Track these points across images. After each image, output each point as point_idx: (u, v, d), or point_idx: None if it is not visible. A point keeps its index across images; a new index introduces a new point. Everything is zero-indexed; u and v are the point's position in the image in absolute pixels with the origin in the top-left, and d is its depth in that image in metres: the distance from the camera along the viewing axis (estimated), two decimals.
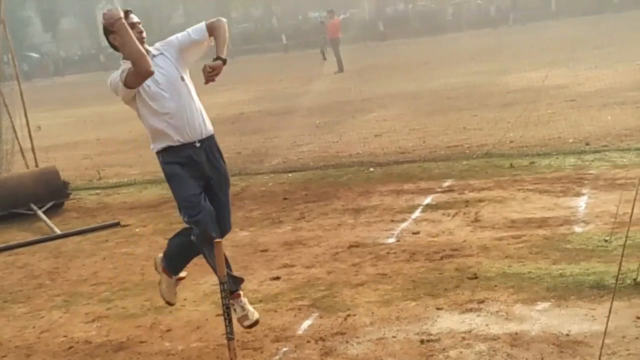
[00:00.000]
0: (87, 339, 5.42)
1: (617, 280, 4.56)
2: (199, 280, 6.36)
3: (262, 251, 7.04)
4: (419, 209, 7.80)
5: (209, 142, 5.00)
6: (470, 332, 4.67)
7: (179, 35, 5.05)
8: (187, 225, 5.05)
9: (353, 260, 6.39)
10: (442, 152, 10.70)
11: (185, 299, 5.94)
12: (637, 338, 4.29)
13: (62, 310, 6.09)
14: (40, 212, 9.35)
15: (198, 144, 4.92)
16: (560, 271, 5.47)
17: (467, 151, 10.45)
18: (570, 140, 10.24)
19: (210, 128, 5.04)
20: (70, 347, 5.30)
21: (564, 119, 11.70)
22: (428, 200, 8.12)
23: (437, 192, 8.41)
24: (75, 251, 7.95)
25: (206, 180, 4.99)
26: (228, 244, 7.18)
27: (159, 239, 7.94)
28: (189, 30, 5.06)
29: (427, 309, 5.12)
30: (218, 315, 5.35)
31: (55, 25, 70.55)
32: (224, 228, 5.09)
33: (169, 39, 5.05)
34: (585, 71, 15.08)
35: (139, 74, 4.65)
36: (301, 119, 16.44)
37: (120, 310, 5.92)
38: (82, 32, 75.41)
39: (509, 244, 6.29)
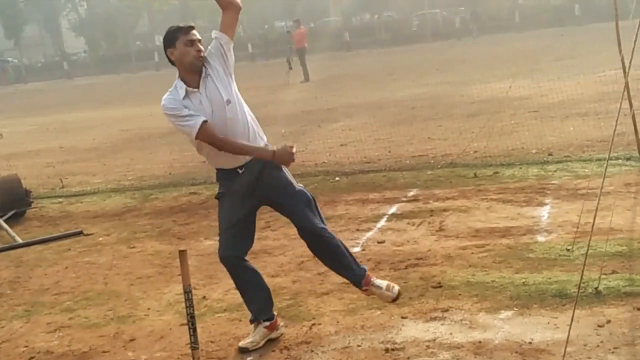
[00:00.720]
0: (48, 349, 5.34)
1: (579, 289, 4.61)
2: (163, 290, 6.31)
3: None
4: (384, 218, 7.83)
5: (256, 163, 4.86)
6: (434, 340, 4.69)
7: (212, 47, 4.83)
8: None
9: (318, 269, 6.37)
10: (407, 161, 10.76)
11: (148, 309, 5.89)
12: (598, 346, 4.34)
13: (24, 320, 6.00)
14: (1, 221, 9.20)
15: (240, 170, 4.84)
16: (523, 280, 5.52)
17: (432, 161, 10.52)
18: (534, 151, 10.36)
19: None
20: (32, 358, 5.23)
21: (527, 129, 11.84)
22: (393, 209, 8.16)
23: (402, 201, 8.46)
24: (37, 260, 7.84)
25: (259, 198, 4.96)
26: (192, 253, 7.16)
27: (122, 247, 7.87)
28: (214, 33, 4.88)
29: (392, 317, 5.14)
30: (182, 324, 5.31)
31: (18, 32, 69.73)
32: (308, 227, 4.98)
33: (209, 51, 4.82)
34: (548, 83, 15.25)
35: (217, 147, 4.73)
36: (267, 128, 16.22)
37: (83, 320, 5.85)
38: (45, 39, 74.74)
39: (473, 253, 6.34)
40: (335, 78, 27.02)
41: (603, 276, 5.27)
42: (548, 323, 4.73)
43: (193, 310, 4.34)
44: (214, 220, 8.53)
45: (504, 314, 4.98)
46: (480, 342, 4.60)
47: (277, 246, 7.26)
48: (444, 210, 7.86)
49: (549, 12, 48.69)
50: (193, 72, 4.70)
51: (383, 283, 4.95)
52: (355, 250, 6.80)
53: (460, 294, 5.41)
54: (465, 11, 56.16)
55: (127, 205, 10.01)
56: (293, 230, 7.63)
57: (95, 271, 7.17)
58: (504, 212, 7.52)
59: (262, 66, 42.64)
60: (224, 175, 4.88)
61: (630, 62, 4.74)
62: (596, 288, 5.12)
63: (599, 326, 4.59)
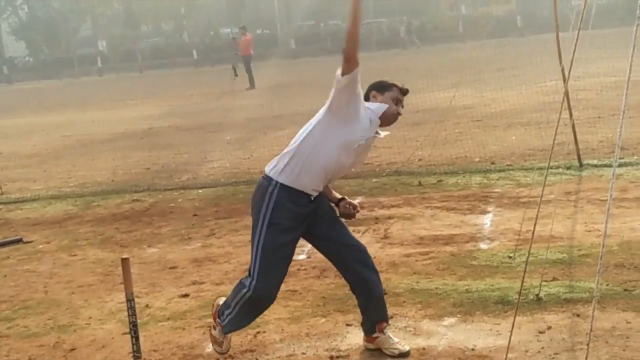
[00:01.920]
0: None
1: (519, 296, 4.68)
2: (105, 298, 6.21)
3: (170, 268, 6.93)
4: None
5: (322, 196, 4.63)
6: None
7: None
8: None
9: None
10: (353, 169, 10.77)
11: (90, 317, 5.79)
12: (539, 352, 4.41)
13: None
14: None
15: (313, 197, 4.53)
16: (467, 287, 5.58)
17: (377, 169, 10.58)
18: (477, 159, 10.51)
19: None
20: None
21: (471, 138, 12.00)
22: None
23: None
24: None
25: (304, 229, 4.64)
26: (135, 261, 7.07)
27: (63, 255, 7.73)
28: None
29: (337, 325, 5.14)
30: (124, 333, 5.23)
31: None
32: (365, 249, 4.77)
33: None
34: (491, 92, 15.52)
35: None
36: (212, 134, 16.35)
37: (22, 329, 5.71)
38: None
39: (417, 260, 6.39)
40: (281, 85, 27.02)
41: (544, 283, 5.36)
42: (490, 329, 4.79)
43: (136, 318, 4.29)
44: (158, 227, 8.49)
45: (448, 320, 5.03)
46: (424, 348, 4.63)
47: (222, 254, 7.21)
48: (389, 217, 7.91)
49: (491, 23, 49.46)
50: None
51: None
52: (301, 257, 6.79)
53: (404, 301, 5.44)
54: (411, 21, 56.75)
55: (68, 212, 9.83)
56: (238, 238, 7.66)
57: (35, 279, 7.02)
58: (448, 220, 7.60)
59: (208, 73, 42.41)
60: (293, 198, 4.32)
61: (569, 73, 4.83)
62: (537, 295, 5.21)
63: (539, 332, 4.67)
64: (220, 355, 4.72)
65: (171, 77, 42.94)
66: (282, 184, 4.31)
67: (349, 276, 4.63)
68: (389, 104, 4.53)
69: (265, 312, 5.46)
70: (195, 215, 8.96)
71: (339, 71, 4.29)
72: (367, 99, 4.56)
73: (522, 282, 4.57)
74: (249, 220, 8.28)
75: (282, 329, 5.17)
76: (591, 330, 3.87)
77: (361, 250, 4.63)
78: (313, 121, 4.44)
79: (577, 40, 4.59)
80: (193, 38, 64.21)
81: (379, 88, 4.61)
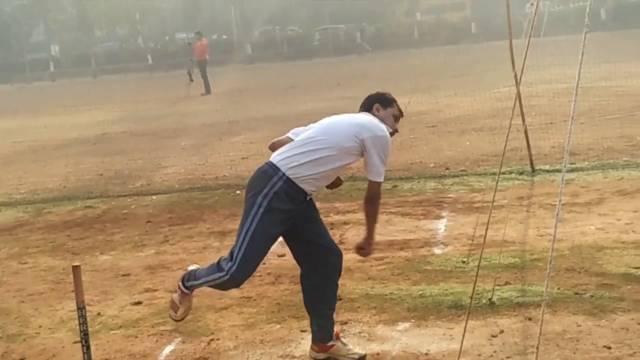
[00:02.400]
0: None
1: (471, 300, 4.71)
2: (56, 307, 6.11)
3: (123, 275, 6.84)
4: None
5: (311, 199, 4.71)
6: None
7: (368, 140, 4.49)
8: None
9: None
10: None
11: (40, 326, 5.68)
12: (491, 356, 4.45)
13: None
14: None
15: (307, 198, 4.60)
16: (421, 292, 5.61)
17: None
18: (431, 165, 10.58)
19: None
20: None
21: (426, 144, 12.09)
22: None
23: None
24: None
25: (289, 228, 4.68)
26: (87, 269, 6.97)
27: (13, 263, 7.58)
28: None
29: (292, 331, 5.12)
30: (75, 342, 5.14)
31: None
32: (338, 249, 4.79)
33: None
34: (445, 98, 15.66)
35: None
36: (166, 140, 16.22)
37: None
38: None
39: (372, 265, 6.40)
40: (237, 91, 26.90)
41: (497, 287, 5.40)
42: (444, 334, 4.82)
43: (87, 327, 4.21)
44: (111, 234, 8.38)
45: (402, 325, 5.04)
46: (378, 354, 4.64)
47: (175, 260, 7.15)
48: (344, 223, 7.92)
49: (446, 30, 49.96)
50: None
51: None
52: None
53: (359, 307, 5.45)
54: (365, 27, 57.05)
55: (18, 219, 9.65)
56: (192, 245, 7.60)
57: None
58: (403, 225, 7.64)
59: (162, 78, 42.06)
60: (292, 193, 4.35)
61: (519, 79, 4.90)
62: (490, 299, 5.25)
63: (492, 336, 4.71)
64: (173, 321, 4.73)
65: (125, 82, 42.50)
66: (288, 178, 4.32)
67: (316, 279, 4.61)
68: (389, 119, 4.68)
69: (220, 320, 5.45)
70: (148, 221, 8.86)
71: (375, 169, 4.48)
72: (369, 109, 4.71)
73: (474, 287, 4.61)
74: (204, 227, 8.30)
75: (236, 336, 5.14)
76: (541, 333, 3.92)
77: (339, 254, 4.65)
78: (341, 140, 4.45)
79: (527, 47, 4.66)
80: (148, 43, 63.71)
81: (383, 102, 4.74)
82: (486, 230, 4.50)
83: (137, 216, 9.24)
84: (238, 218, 8.48)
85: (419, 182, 9.62)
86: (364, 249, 4.62)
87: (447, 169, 10.25)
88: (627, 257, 5.93)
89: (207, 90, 27.76)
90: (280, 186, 4.30)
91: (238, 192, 10.01)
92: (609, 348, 4.39)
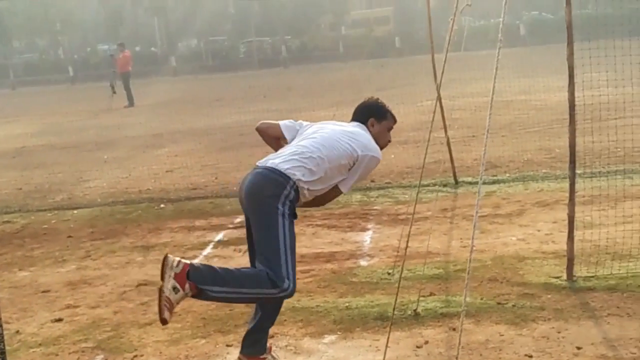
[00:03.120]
0: None
1: (393, 311, 4.75)
2: None
3: (43, 292, 6.65)
4: (211, 245, 7.74)
5: None
6: None
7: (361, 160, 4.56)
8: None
9: (141, 299, 6.20)
10: (235, 188, 10.69)
11: None
12: None
13: None
14: None
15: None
16: (347, 304, 5.62)
17: None
18: None
19: None
20: None
21: None
22: (220, 236, 8.09)
23: (229, 228, 8.41)
24: None
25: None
26: (5, 285, 6.76)
27: None
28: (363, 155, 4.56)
29: (217, 346, 5.06)
30: None
31: None
32: None
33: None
34: None
35: None
36: (88, 153, 15.91)
37: None
38: None
39: (298, 278, 6.30)
40: (161, 103, 26.64)
41: (421, 298, 5.46)
42: (370, 346, 4.83)
43: (4, 345, 4.08)
44: (30, 249, 8.15)
45: (328, 338, 5.04)
46: None
47: (98, 276, 6.99)
48: None
49: (371, 44, 50.53)
50: None
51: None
52: None
53: (285, 320, 5.42)
54: (292, 40, 57.27)
55: None
56: (115, 260, 7.45)
57: None
58: (329, 238, 7.66)
59: (84, 90, 41.29)
60: (295, 202, 4.33)
61: (438, 93, 4.99)
62: (415, 310, 5.30)
63: (417, 347, 4.74)
64: (160, 319, 4.31)
65: (45, 94, 41.57)
66: (296, 187, 4.28)
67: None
68: (383, 134, 4.73)
69: (143, 336, 5.35)
70: (69, 236, 8.66)
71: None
72: (364, 121, 4.72)
73: (396, 299, 4.65)
74: (127, 241, 8.15)
75: (161, 352, 5.05)
76: (459, 344, 3.97)
77: None
78: (340, 158, 4.45)
79: (444, 62, 4.76)
80: (69, 54, 62.51)
81: (378, 115, 4.74)
82: (407, 242, 4.55)
83: (58, 231, 9.02)
84: (162, 232, 8.46)
85: (344, 194, 9.64)
86: None
87: (372, 181, 10.32)
88: (547, 267, 6.06)
89: (131, 103, 27.39)
90: (293, 195, 4.26)
91: (162, 205, 9.89)
92: (530, 357, 4.48)
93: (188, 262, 4.23)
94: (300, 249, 7.21)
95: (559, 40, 5.61)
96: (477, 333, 4.88)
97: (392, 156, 12.09)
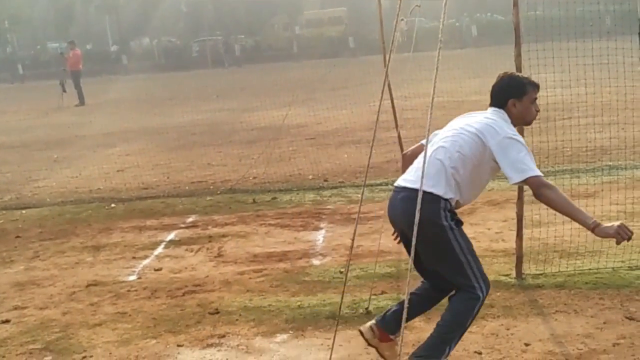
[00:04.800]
0: None
1: (339, 310, 4.76)
2: None
3: None
4: (162, 245, 7.68)
5: None
6: None
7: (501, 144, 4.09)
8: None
9: (91, 299, 6.13)
10: (187, 187, 10.66)
11: None
12: None
13: None
14: None
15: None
16: (299, 303, 5.62)
17: (212, 187, 10.50)
18: (310, 177, 10.65)
19: None
20: None
21: (304, 156, 12.16)
22: (171, 236, 8.02)
23: (181, 227, 8.35)
24: None
25: None
26: None
27: None
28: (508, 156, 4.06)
29: (168, 346, 5.02)
30: None
31: None
32: None
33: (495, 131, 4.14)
34: (324, 111, 15.80)
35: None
36: (37, 152, 15.65)
37: None
38: None
39: (250, 278, 6.37)
40: (112, 102, 26.32)
41: (373, 297, 5.48)
42: (322, 344, 4.84)
43: None
44: None
45: (280, 337, 5.04)
46: None
47: (46, 277, 6.88)
48: (223, 236, 7.85)
49: (325, 44, 50.57)
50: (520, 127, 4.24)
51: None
52: (131, 278, 6.61)
53: (237, 320, 5.40)
54: (245, 39, 57.05)
55: None
56: (64, 260, 7.35)
57: None
58: (282, 237, 7.64)
59: (34, 88, 40.61)
60: (453, 208, 4.18)
61: (382, 93, 4.99)
62: (367, 308, 5.32)
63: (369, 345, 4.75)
64: None
65: None
66: (448, 200, 4.10)
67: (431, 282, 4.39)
68: (527, 108, 4.28)
69: (93, 336, 5.28)
70: (18, 237, 8.50)
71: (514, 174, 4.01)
72: (502, 104, 4.30)
73: (342, 297, 4.66)
74: (76, 241, 8.04)
75: (110, 353, 4.99)
76: (402, 341, 4.00)
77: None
78: (474, 156, 4.13)
79: (388, 62, 4.77)
80: (18, 52, 61.36)
81: (517, 93, 4.28)
82: (353, 240, 4.57)
83: (6, 231, 8.85)
84: (113, 232, 8.38)
85: (298, 193, 9.66)
86: (614, 238, 3.85)
87: (325, 180, 10.35)
88: (496, 265, 6.14)
89: (81, 101, 27.03)
90: (449, 205, 4.11)
91: (113, 205, 9.77)
92: (480, 353, 4.53)
93: (373, 322, 4.33)
94: (253, 249, 7.24)
95: (509, 42, 5.67)
96: (428, 330, 4.89)
97: (345, 156, 12.15)
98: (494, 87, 4.39)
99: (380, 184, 9.66)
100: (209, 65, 49.07)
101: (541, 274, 5.80)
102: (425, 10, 5.48)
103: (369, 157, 4.87)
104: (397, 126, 9.73)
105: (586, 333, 4.72)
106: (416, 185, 3.93)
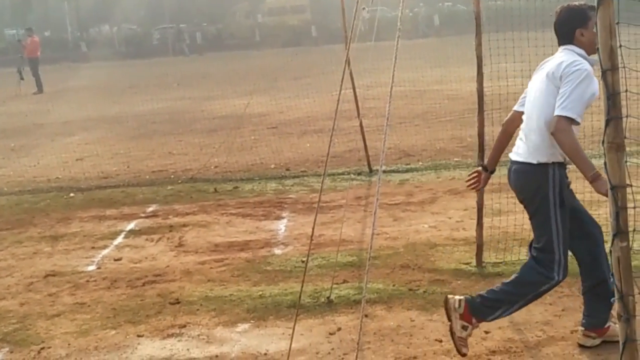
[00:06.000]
0: None
1: (299, 299, 4.76)
2: None
3: None
4: (122, 235, 7.59)
5: None
6: (170, 357, 4.61)
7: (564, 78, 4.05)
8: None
9: (49, 290, 6.04)
10: (147, 176, 10.55)
11: None
12: (329, 353, 4.50)
13: None
14: None
15: (568, 167, 4.24)
16: (260, 292, 5.60)
17: (172, 176, 10.41)
18: (272, 166, 10.62)
19: None
20: None
21: (266, 145, 12.12)
22: (131, 225, 7.94)
23: (141, 217, 8.26)
24: None
25: None
26: None
27: None
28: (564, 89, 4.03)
29: (128, 336, 4.97)
30: None
31: None
32: None
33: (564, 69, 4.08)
34: (286, 100, 15.76)
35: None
36: None
37: None
38: None
39: (211, 267, 6.33)
40: (71, 90, 25.95)
41: (335, 286, 5.49)
42: (283, 333, 4.83)
43: None
44: None
45: (241, 326, 5.02)
46: (217, 356, 4.59)
47: (3, 267, 6.77)
48: (184, 225, 7.79)
49: (287, 32, 50.41)
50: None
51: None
52: (90, 268, 6.53)
53: (198, 309, 5.37)
54: (207, 27, 56.61)
55: None
56: (22, 250, 7.25)
57: None
58: (243, 226, 7.61)
59: None
60: (560, 170, 4.16)
61: (341, 81, 4.98)
62: (328, 297, 5.32)
63: (330, 334, 4.77)
64: (461, 354, 4.26)
65: None
66: (556, 162, 4.13)
67: (581, 251, 4.36)
68: (594, 34, 3.96)
69: (51, 327, 5.21)
70: None
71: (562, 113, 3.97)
72: (570, 38, 4.21)
73: (302, 287, 4.67)
74: (34, 231, 7.92)
75: (69, 344, 4.92)
76: (360, 329, 4.00)
77: (598, 225, 4.42)
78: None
79: (348, 50, 4.75)
80: None
81: (581, 21, 4.19)
82: (313, 229, 4.56)
83: None
84: (72, 222, 8.27)
85: (259, 183, 9.62)
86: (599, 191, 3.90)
87: (287, 169, 10.32)
88: (457, 254, 6.18)
89: (39, 89, 26.61)
90: (559, 173, 4.14)
91: (72, 194, 9.64)
92: (440, 341, 4.56)
93: (463, 298, 4.32)
94: (214, 238, 7.20)
95: (471, 31, 5.70)
96: (389, 319, 4.94)
97: (308, 145, 12.12)
98: (555, 24, 4.32)
99: (342, 173, 9.67)
100: (170, 54, 48.67)
101: (501, 262, 5.85)
102: (386, 0, 5.48)
103: (329, 146, 4.84)
104: (359, 115, 9.76)
105: (545, 320, 4.77)
106: (521, 158, 4.20)
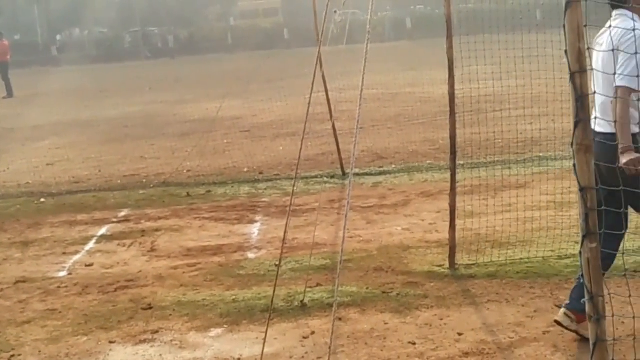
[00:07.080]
0: None
1: (271, 304, 4.74)
2: None
3: None
4: (94, 240, 7.53)
5: None
6: None
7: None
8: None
9: (19, 296, 5.97)
10: (119, 181, 10.48)
11: None
12: (302, 357, 4.49)
13: None
14: None
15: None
16: (234, 297, 5.58)
17: (144, 180, 10.34)
18: (245, 170, 10.59)
19: None
20: None
21: (239, 148, 12.08)
22: (103, 230, 7.87)
23: (113, 222, 8.20)
24: None
25: None
26: None
27: None
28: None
29: (100, 343, 4.92)
30: None
31: None
32: None
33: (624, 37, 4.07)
34: (258, 103, 15.73)
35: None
36: None
37: None
38: None
39: (184, 272, 6.29)
40: (42, 94, 25.72)
41: (308, 289, 5.47)
42: (257, 338, 4.81)
43: None
44: None
45: (214, 331, 4.99)
46: None
47: None
48: (156, 230, 7.74)
49: (259, 35, 50.34)
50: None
51: None
52: (61, 274, 6.47)
53: (170, 315, 5.33)
54: (179, 30, 56.37)
55: None
56: None
57: None
58: (216, 231, 7.58)
59: None
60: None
61: (312, 84, 4.98)
62: (302, 301, 5.31)
63: (304, 338, 4.76)
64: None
65: None
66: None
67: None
68: None
69: (22, 334, 5.15)
70: None
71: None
72: (623, 0, 4.19)
73: (274, 290, 4.65)
74: (4, 237, 7.83)
75: (40, 351, 4.87)
76: (332, 333, 4.00)
77: None
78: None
79: (319, 52, 4.75)
80: None
81: None
82: (285, 233, 4.54)
83: None
84: (42, 227, 8.20)
85: (232, 186, 9.59)
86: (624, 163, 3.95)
87: (260, 173, 10.30)
88: (430, 256, 6.20)
89: (9, 93, 26.36)
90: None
91: (43, 199, 9.54)
92: (414, 344, 4.56)
93: (565, 309, 4.39)
94: (186, 243, 7.17)
95: (443, 34, 5.72)
96: (363, 322, 4.94)
97: (281, 148, 12.11)
98: None
99: (315, 176, 9.67)
100: (142, 57, 48.40)
101: (474, 264, 5.88)
102: (360, 3, 5.50)
103: (300, 149, 4.83)
104: (332, 118, 9.75)
105: (517, 322, 4.79)
106: (597, 129, 4.05)
